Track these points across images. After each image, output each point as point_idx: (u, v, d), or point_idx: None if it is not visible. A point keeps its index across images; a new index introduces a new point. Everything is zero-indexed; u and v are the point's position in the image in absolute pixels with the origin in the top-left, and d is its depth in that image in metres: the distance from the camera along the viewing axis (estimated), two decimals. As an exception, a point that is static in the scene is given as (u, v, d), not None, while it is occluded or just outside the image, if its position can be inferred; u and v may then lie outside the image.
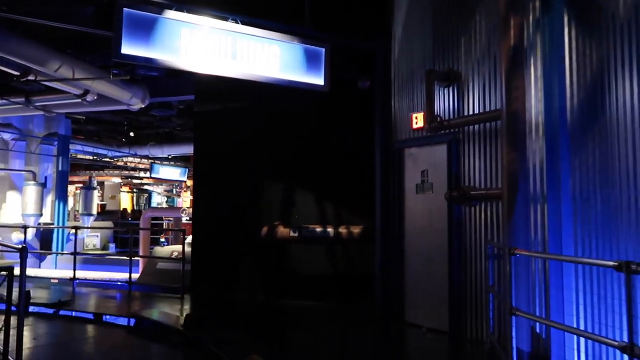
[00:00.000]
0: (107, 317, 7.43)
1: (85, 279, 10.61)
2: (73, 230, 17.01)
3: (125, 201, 35.85)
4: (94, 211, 16.95)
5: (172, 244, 15.36)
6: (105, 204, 32.65)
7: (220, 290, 8.83)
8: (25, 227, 10.63)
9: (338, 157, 8.27)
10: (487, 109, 5.90)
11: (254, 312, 7.91)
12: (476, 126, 6.06)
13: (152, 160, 21.19)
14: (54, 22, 6.70)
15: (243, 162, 8.96)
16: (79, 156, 21.18)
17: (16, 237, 14.53)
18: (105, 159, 21.27)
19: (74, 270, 9.73)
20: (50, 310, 7.76)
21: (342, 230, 8.14)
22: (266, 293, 8.59)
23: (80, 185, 33.36)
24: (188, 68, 5.93)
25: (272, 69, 6.46)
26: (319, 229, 8.27)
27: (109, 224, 18.59)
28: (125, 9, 5.54)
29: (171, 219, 15.04)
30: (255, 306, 8.29)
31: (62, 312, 7.75)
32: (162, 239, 12.43)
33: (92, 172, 29.52)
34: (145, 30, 5.66)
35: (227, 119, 9.15)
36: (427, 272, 6.63)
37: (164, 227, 18.91)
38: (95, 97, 9.69)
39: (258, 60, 6.36)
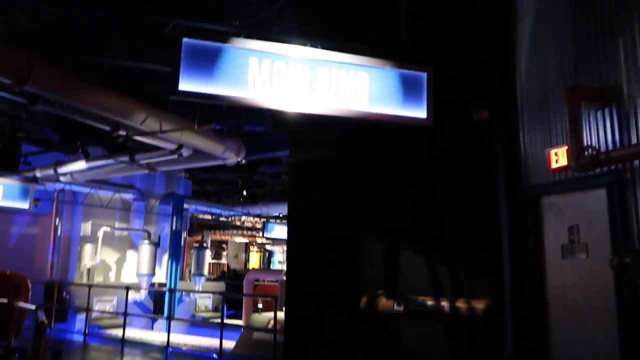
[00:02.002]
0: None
1: (178, 346, 9.97)
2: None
3: (254, 260, 36.42)
4: (206, 271, 16.80)
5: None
6: (228, 264, 33.39)
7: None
8: (127, 288, 10.36)
9: (451, 209, 6.60)
10: (672, 133, 3.99)
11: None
12: (654, 159, 4.14)
13: (266, 219, 20.95)
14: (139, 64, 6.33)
15: (339, 216, 7.67)
16: (200, 216, 21.73)
17: (130, 296, 14.70)
18: (223, 219, 21.52)
19: (168, 335, 9.09)
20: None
21: (461, 304, 6.31)
22: (366, 379, 6.95)
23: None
24: (258, 104, 4.94)
25: (360, 101, 5.24)
26: (430, 302, 6.53)
27: (220, 285, 18.36)
28: (185, 39, 4.80)
29: (275, 281, 14.13)
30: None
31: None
32: (260, 305, 11.48)
33: (214, 231, 30.61)
34: (208, 62, 4.84)
35: (321, 168, 8.04)
36: (586, 374, 4.58)
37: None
38: (191, 152, 9.33)
39: (342, 91, 5.18)
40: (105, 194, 15.04)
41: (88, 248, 14.27)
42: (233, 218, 25.37)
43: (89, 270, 14.31)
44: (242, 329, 10.53)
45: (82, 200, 14.74)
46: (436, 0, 6.26)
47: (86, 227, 15.18)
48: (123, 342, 9.47)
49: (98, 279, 15.15)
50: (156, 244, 14.93)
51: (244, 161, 12.82)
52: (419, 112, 5.38)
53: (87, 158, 11.01)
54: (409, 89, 5.38)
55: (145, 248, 14.54)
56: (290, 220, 8.95)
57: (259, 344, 9.10)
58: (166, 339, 9.25)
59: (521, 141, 5.69)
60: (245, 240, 32.83)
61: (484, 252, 6.08)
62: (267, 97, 4.96)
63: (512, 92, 5.63)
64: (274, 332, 7.93)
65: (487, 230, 5.91)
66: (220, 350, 8.26)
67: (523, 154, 5.63)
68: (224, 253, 36.80)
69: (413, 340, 6.70)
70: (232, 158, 9.49)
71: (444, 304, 6.42)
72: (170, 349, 9.33)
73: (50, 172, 11.90)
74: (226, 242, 35.11)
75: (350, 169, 7.56)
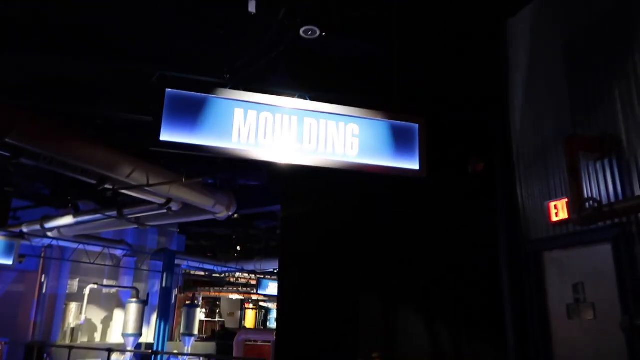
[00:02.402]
0: None
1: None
2: (176, 351, 16.24)
3: (250, 318, 35.18)
4: (196, 331, 16.07)
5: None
6: (224, 322, 32.30)
7: None
8: (109, 351, 9.78)
9: (450, 265, 6.27)
10: (678, 184, 3.77)
11: None
12: (661, 211, 3.89)
13: (261, 275, 20.36)
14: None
15: (332, 273, 7.33)
16: (192, 272, 21.15)
17: (115, 359, 13.96)
18: (216, 275, 20.93)
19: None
20: None
21: (463, 368, 5.87)
22: None
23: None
24: (243, 155, 4.74)
25: (350, 152, 5.05)
26: (429, 367, 6.09)
27: (211, 346, 17.53)
28: (169, 89, 4.67)
29: (268, 341, 13.45)
30: None
31: None
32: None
33: (208, 288, 29.73)
34: (192, 113, 4.68)
35: (314, 223, 7.78)
36: None
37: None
38: (180, 207, 9.08)
39: (332, 143, 5.00)
40: (94, 250, 14.60)
41: (73, 307, 13.68)
42: (227, 274, 24.73)
43: (72, 330, 13.64)
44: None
45: (69, 256, 14.30)
46: (428, 54, 6.24)
47: (73, 285, 14.64)
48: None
49: (83, 339, 14.44)
50: (144, 302, 14.35)
51: (236, 215, 12.57)
52: (412, 164, 5.18)
53: (76, 213, 10.73)
54: (400, 140, 5.21)
55: (133, 306, 13.93)
56: (280, 277, 8.59)
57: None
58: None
59: (519, 194, 5.46)
60: (240, 297, 31.90)
61: (486, 312, 5.71)
62: (252, 149, 4.77)
63: (508, 144, 5.47)
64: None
65: (488, 288, 5.57)
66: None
67: (521, 207, 5.39)
68: (217, 311, 35.62)
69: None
70: (223, 212, 9.22)
71: (444, 368, 5.98)
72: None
73: (37, 227, 11.57)
74: (220, 300, 34.10)
75: (345, 223, 7.30)
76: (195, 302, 16.58)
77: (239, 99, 4.85)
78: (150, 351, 14.28)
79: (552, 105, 5.05)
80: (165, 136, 4.57)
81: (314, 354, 7.16)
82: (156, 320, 15.02)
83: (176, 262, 17.20)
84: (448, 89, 5.75)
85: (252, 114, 4.85)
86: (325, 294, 7.33)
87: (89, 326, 14.77)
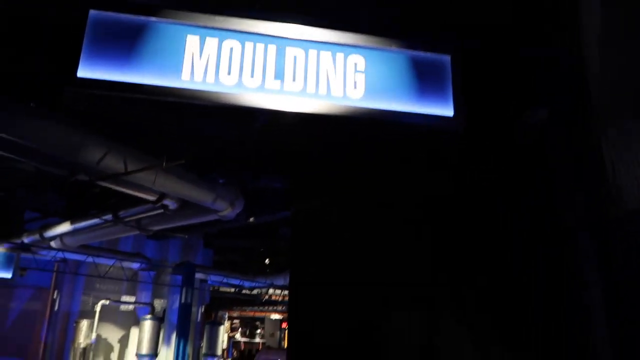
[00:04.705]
0: None
1: None
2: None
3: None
4: (219, 352, 14.70)
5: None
6: (264, 342, 31.01)
7: None
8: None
9: (503, 263, 4.57)
10: None
11: None
12: None
13: (293, 291, 18.84)
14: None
15: (353, 280, 5.76)
16: (221, 289, 19.92)
17: (129, 383, 12.78)
18: (246, 291, 19.61)
19: None
20: None
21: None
22: None
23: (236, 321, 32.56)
24: (195, 97, 3.34)
25: (352, 94, 3.56)
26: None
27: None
28: (93, 10, 3.35)
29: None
30: None
31: None
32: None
33: (244, 308, 28.45)
34: (125, 43, 3.34)
35: (329, 220, 6.27)
36: None
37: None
38: (177, 205, 7.79)
39: (325, 81, 3.54)
40: (110, 264, 13.56)
41: (84, 324, 12.62)
42: (261, 291, 23.35)
43: (84, 350, 12.55)
44: None
45: (83, 271, 13.34)
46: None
47: (87, 301, 13.65)
48: None
49: (97, 360, 13.36)
50: (160, 319, 13.14)
51: (252, 219, 11.21)
52: (442, 108, 3.64)
53: (73, 219, 9.67)
54: (425, 78, 3.68)
55: (148, 324, 12.75)
56: (292, 286, 7.07)
57: None
58: None
59: (605, 155, 3.78)
60: (279, 316, 30.47)
61: (560, 323, 4.00)
62: (210, 89, 3.37)
63: (582, 87, 3.79)
64: None
65: (563, 291, 3.88)
66: None
67: (610, 171, 3.71)
68: (258, 331, 34.33)
69: None
70: (227, 209, 7.85)
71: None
72: None
73: (37, 237, 10.60)
74: (261, 319, 32.77)
75: (366, 218, 5.74)
76: (219, 319, 15.23)
77: (193, 23, 3.48)
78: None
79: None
80: (86, 72, 3.24)
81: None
82: (175, 340, 13.78)
83: (201, 277, 16.02)
84: (493, 9, 4.15)
85: (211, 42, 3.46)
86: (345, 304, 5.75)
87: (105, 346, 13.68)
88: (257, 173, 9.61)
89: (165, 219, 8.55)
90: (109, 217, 8.72)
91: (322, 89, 3.51)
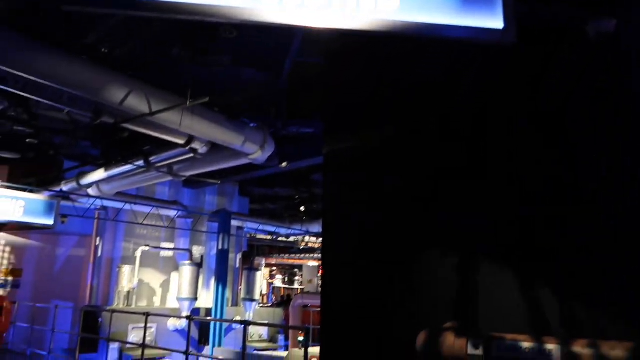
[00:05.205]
0: None
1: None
2: (238, 317, 15.29)
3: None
4: (257, 296, 14.97)
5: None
6: (303, 288, 31.82)
7: None
8: (146, 315, 8.67)
9: (556, 197, 4.13)
10: None
11: None
12: None
13: (328, 238, 18.85)
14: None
15: (389, 217, 5.45)
16: (258, 236, 20.17)
17: (172, 324, 13.21)
18: (282, 239, 19.79)
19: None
20: None
21: (582, 349, 3.81)
22: None
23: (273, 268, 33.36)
24: (220, 16, 2.98)
25: (385, 5, 3.11)
26: (527, 344, 4.08)
27: (277, 312, 16.41)
28: None
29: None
30: None
31: None
32: (300, 337, 9.40)
33: (283, 255, 28.97)
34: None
35: (365, 155, 5.90)
36: None
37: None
38: (207, 149, 7.60)
39: (355, -8, 3.09)
40: (148, 211, 13.78)
41: (126, 270, 13.00)
42: (298, 239, 23.56)
43: (128, 293, 13.00)
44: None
45: (123, 218, 13.62)
46: None
47: (128, 247, 14.01)
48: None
49: (141, 303, 13.84)
50: (198, 265, 13.38)
51: (284, 164, 10.98)
52: (492, 20, 3.15)
53: (107, 166, 9.70)
54: (469, -16, 3.18)
55: (186, 269, 13.02)
56: (325, 226, 6.84)
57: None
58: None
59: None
60: (316, 264, 30.95)
61: (619, 266, 3.60)
62: (230, 6, 2.99)
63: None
64: (304, 377, 5.81)
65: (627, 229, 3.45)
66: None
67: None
68: (296, 278, 35.13)
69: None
70: (256, 152, 7.60)
71: (552, 347, 3.95)
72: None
73: (74, 185, 10.75)
74: (300, 267, 33.47)
75: (403, 148, 5.34)
76: (256, 266, 15.45)
77: None
78: (205, 317, 13.41)
79: None
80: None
81: (365, 323, 5.40)
82: (214, 285, 14.09)
83: (238, 224, 16.18)
84: None
85: (225, -50, 3.05)
86: (379, 246, 5.48)
87: (148, 290, 14.14)
88: (287, 117, 9.30)
89: (196, 164, 8.42)
90: (140, 162, 8.65)
91: (351, 1, 3.08)
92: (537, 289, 4.26)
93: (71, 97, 5.80)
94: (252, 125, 8.25)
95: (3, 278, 14.20)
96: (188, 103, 5.62)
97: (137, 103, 5.80)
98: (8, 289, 14.21)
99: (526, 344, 4.17)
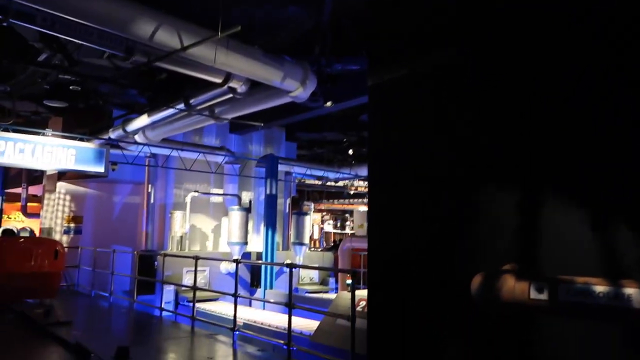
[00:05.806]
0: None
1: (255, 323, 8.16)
2: (289, 260, 15.46)
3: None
4: (306, 240, 14.98)
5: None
6: (354, 233, 32.07)
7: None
8: (196, 258, 8.72)
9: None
10: None
11: None
12: None
13: (378, 182, 18.45)
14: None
15: (440, 150, 4.94)
16: (307, 182, 20.05)
17: (224, 267, 13.47)
18: (330, 184, 19.56)
19: (235, 315, 7.28)
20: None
21: (667, 294, 3.30)
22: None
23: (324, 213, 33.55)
24: None
25: None
26: (600, 288, 3.59)
27: (327, 255, 16.44)
28: None
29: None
30: None
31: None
32: (348, 280, 9.23)
33: (333, 200, 28.97)
34: None
35: (410, 95, 5.33)
36: None
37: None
38: (246, 87, 7.24)
39: None
40: (199, 158, 13.82)
41: (178, 216, 13.24)
42: (347, 184, 23.31)
43: (181, 238, 13.30)
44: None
45: (172, 165, 13.76)
46: None
47: (179, 194, 14.23)
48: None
49: (194, 248, 14.19)
50: (247, 210, 13.43)
51: (329, 103, 10.48)
52: None
53: (150, 112, 9.59)
54: None
55: (235, 214, 13.10)
56: (371, 163, 6.40)
57: (342, 331, 6.84)
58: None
59: None
60: (366, 208, 30.84)
61: None
62: None
63: None
64: (351, 319, 5.62)
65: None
66: (289, 340, 6.18)
67: None
68: (347, 223, 35.33)
69: (565, 353, 3.84)
70: (297, 89, 7.17)
71: (631, 291, 3.46)
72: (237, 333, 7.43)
73: (121, 132, 10.79)
74: (350, 212, 33.51)
75: (459, 73, 4.74)
76: (305, 210, 15.37)
77: None
78: (256, 260, 13.56)
79: None
80: None
81: (413, 264, 5.05)
82: (263, 229, 14.17)
83: (285, 169, 16.05)
84: None
85: None
86: (431, 182, 5.00)
87: (199, 234, 14.44)
88: (331, 54, 8.71)
89: (237, 105, 8.12)
90: (181, 106, 8.45)
91: None
92: (607, 228, 3.71)
93: (100, 34, 5.54)
94: (288, 59, 7.78)
95: (66, 225, 14.89)
96: (219, 34, 5.21)
97: (167, 38, 5.47)
98: (71, 235, 14.92)
99: (600, 288, 3.68)
